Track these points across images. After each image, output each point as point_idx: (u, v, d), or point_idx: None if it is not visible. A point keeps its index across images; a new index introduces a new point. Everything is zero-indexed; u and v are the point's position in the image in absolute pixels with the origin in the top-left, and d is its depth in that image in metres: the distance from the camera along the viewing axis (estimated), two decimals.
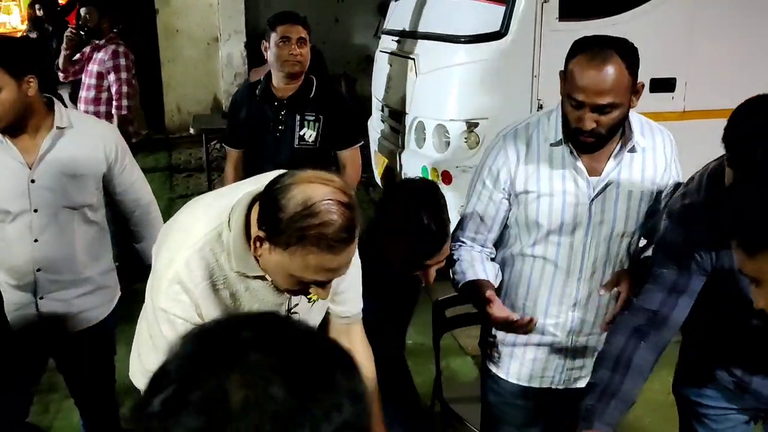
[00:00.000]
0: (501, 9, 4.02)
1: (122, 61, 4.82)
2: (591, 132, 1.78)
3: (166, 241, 1.59)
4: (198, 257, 1.50)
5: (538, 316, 1.99)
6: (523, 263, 2.03)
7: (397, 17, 5.31)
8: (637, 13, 4.08)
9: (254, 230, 1.45)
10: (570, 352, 2.06)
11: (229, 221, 1.51)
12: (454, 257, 2.04)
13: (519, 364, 2.12)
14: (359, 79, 8.79)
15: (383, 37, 5.54)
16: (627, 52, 1.77)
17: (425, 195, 1.96)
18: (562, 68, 1.84)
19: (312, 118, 3.06)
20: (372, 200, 6.68)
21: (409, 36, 4.85)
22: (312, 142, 3.08)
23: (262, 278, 1.54)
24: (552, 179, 1.91)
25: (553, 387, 2.13)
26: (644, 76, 4.08)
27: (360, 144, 3.36)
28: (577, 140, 1.83)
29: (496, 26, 4.02)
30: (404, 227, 1.92)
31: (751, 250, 1.33)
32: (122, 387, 2.36)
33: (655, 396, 3.71)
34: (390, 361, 2.15)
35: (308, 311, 1.73)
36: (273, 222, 1.38)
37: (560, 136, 1.89)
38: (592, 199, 1.91)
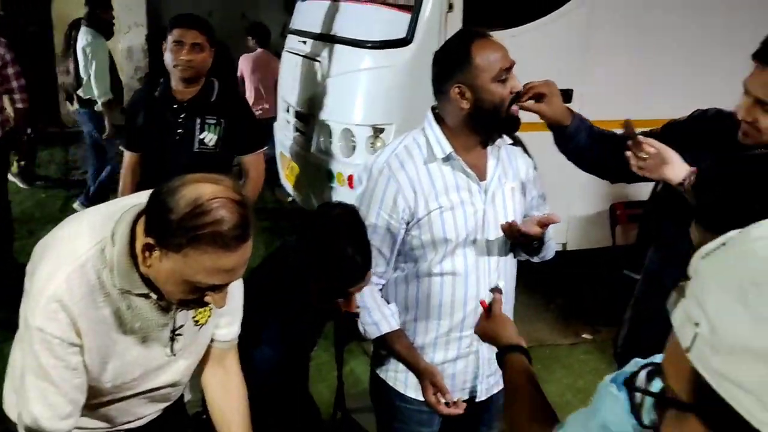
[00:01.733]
0: (407, 17, 4.07)
1: (9, 55, 4.59)
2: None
3: (44, 257, 1.51)
4: (79, 274, 1.44)
5: (455, 332, 2.03)
6: (431, 282, 2.01)
7: (304, 18, 5.28)
8: (536, 26, 4.22)
9: (141, 240, 1.40)
10: (486, 359, 2.09)
11: (113, 236, 1.45)
12: (358, 303, 1.98)
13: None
14: None
15: (290, 36, 5.50)
16: None
17: (345, 223, 1.87)
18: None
19: (213, 121, 3.01)
20: (277, 200, 6.63)
21: (316, 38, 4.83)
22: (213, 146, 3.03)
23: (146, 296, 1.50)
24: (449, 193, 1.94)
25: (477, 400, 2.13)
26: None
27: (264, 149, 3.34)
28: (514, 115, 1.91)
29: (401, 33, 4.06)
30: (326, 259, 1.84)
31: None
32: None
33: None
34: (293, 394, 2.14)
35: (194, 334, 1.69)
36: (163, 225, 1.34)
37: (449, 149, 1.93)
38: (486, 202, 1.98)
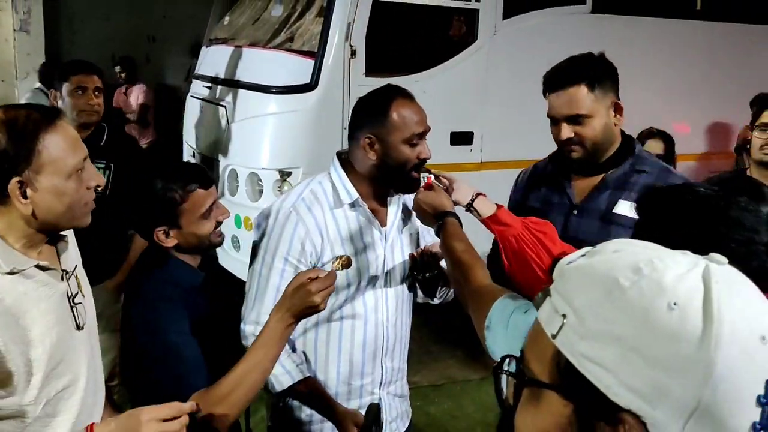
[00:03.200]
0: (311, 63, 4.13)
1: None
2: (427, 158, 1.96)
3: None
4: None
5: (356, 379, 2.02)
6: (330, 328, 2.00)
7: (209, 63, 5.28)
8: (436, 71, 4.38)
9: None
10: (387, 404, 2.10)
11: None
12: None
13: None
14: (170, 121, 8.57)
15: (194, 81, 5.47)
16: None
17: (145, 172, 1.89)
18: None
19: (102, 165, 3.03)
20: None
21: (221, 83, 4.83)
22: (101, 191, 2.98)
23: (41, 269, 1.51)
24: (353, 239, 1.98)
25: None
26: (445, 130, 4.41)
27: None
28: (415, 177, 1.94)
29: (306, 78, 4.12)
30: (142, 196, 1.83)
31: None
32: None
33: None
34: None
35: (83, 305, 1.67)
36: (8, 160, 1.41)
37: (356, 195, 1.97)
38: (386, 248, 2.03)
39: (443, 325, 4.68)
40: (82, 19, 9.11)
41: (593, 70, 2.04)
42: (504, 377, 0.82)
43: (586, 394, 0.70)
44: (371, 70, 4.14)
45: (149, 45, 9.54)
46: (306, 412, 2.04)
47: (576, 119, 2.02)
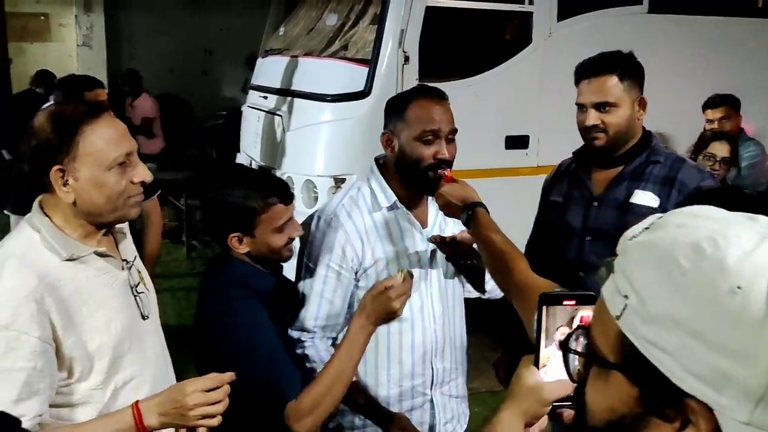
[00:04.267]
0: (364, 70, 4.16)
1: None
2: (449, 162, 1.92)
3: None
4: (24, 265, 1.48)
5: (406, 381, 2.01)
6: (377, 333, 1.93)
7: (264, 74, 5.36)
8: (490, 75, 4.35)
9: (52, 197, 1.53)
10: (441, 405, 2.09)
11: (32, 226, 1.53)
12: (308, 354, 1.94)
13: None
14: (228, 132, 8.73)
15: (251, 92, 5.57)
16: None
17: (222, 176, 1.92)
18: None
19: None
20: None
21: (276, 93, 4.90)
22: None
23: (101, 255, 1.57)
24: (394, 242, 1.97)
25: None
26: (499, 134, 4.37)
27: (157, 193, 3.46)
28: (436, 177, 1.90)
29: (360, 86, 4.15)
30: (219, 205, 1.84)
31: None
32: None
33: None
34: None
35: (147, 296, 1.74)
36: (51, 149, 1.48)
37: (393, 198, 1.96)
38: (429, 249, 2.01)
39: (486, 335, 4.63)
40: (141, 34, 9.39)
41: (625, 64, 2.18)
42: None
43: (651, 377, 0.68)
44: (424, 76, 4.13)
45: (206, 58, 9.77)
46: (357, 418, 2.03)
47: (604, 107, 2.14)
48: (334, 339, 2.03)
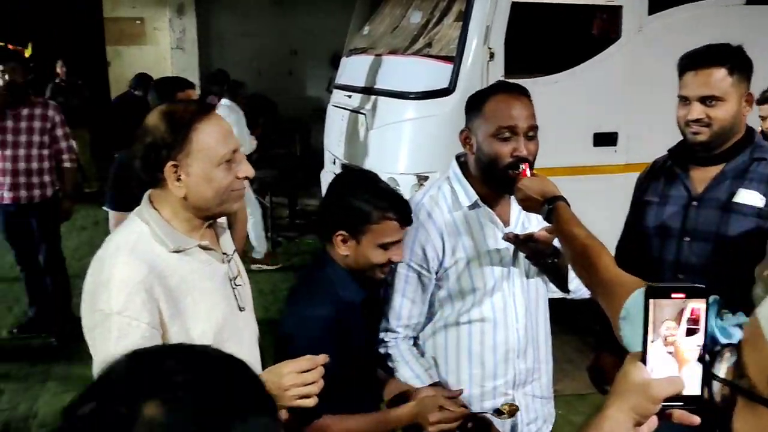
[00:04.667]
0: (449, 67, 4.15)
1: (59, 117, 4.86)
2: (525, 157, 1.87)
3: (94, 269, 1.60)
4: (135, 255, 1.55)
5: (488, 381, 1.99)
6: (459, 331, 1.98)
7: (349, 73, 5.43)
8: (578, 71, 4.26)
9: (161, 196, 1.61)
10: (524, 406, 2.05)
11: (141, 218, 1.61)
12: (390, 354, 1.96)
13: None
14: (313, 130, 8.89)
15: (335, 91, 5.64)
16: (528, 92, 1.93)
17: (353, 176, 1.96)
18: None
19: None
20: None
21: (360, 92, 4.95)
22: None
23: (204, 248, 1.64)
24: (476, 242, 1.94)
25: None
26: (587, 131, 4.27)
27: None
28: (514, 176, 1.86)
29: (444, 83, 4.14)
30: (337, 204, 1.86)
31: None
32: None
33: None
34: None
35: (244, 287, 1.79)
36: (165, 146, 1.55)
37: (475, 197, 1.93)
38: (511, 248, 1.97)
39: (585, 333, 4.53)
40: (230, 36, 9.67)
41: (735, 57, 2.07)
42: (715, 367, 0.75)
43: None
44: (510, 72, 4.09)
45: (292, 59, 9.96)
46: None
47: (709, 100, 2.04)
48: (416, 338, 2.03)
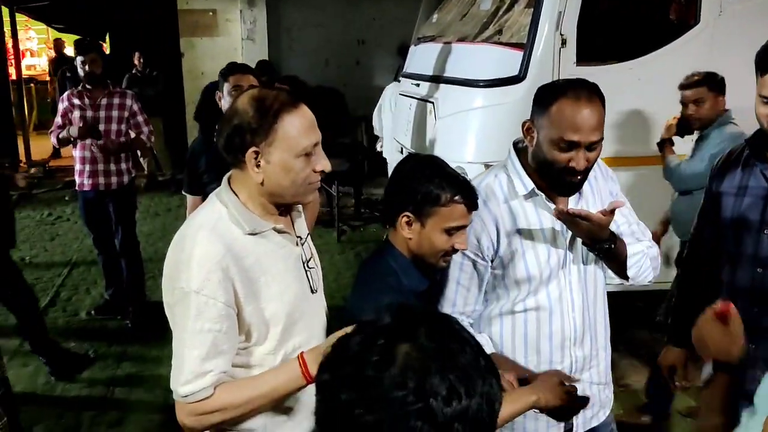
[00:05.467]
0: (519, 54, 4.08)
1: (137, 105, 5.04)
2: (583, 170, 1.83)
3: (176, 245, 1.65)
4: (215, 235, 1.59)
5: (543, 369, 1.98)
6: (515, 320, 1.98)
7: (417, 61, 5.40)
8: (653, 57, 4.12)
9: (242, 177, 1.64)
10: (579, 392, 1.99)
11: (221, 201, 1.66)
12: None
13: (534, 420, 2.01)
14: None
15: (402, 80, 5.63)
16: (600, 93, 1.85)
17: (419, 160, 1.92)
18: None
19: None
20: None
21: (428, 80, 4.92)
22: None
23: (275, 231, 1.67)
24: (532, 231, 1.92)
25: None
26: (663, 120, 4.11)
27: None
28: (565, 181, 1.85)
29: (514, 71, 4.07)
30: (406, 186, 1.83)
31: None
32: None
33: None
34: None
35: (317, 271, 1.83)
36: (250, 131, 1.58)
37: (531, 185, 1.90)
38: (568, 237, 1.94)
39: (655, 327, 4.41)
40: (299, 27, 9.76)
41: None
42: None
43: None
44: (582, 59, 3.99)
45: (359, 48, 9.98)
46: None
47: None
48: (470, 325, 2.02)
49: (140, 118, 4.98)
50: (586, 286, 2.00)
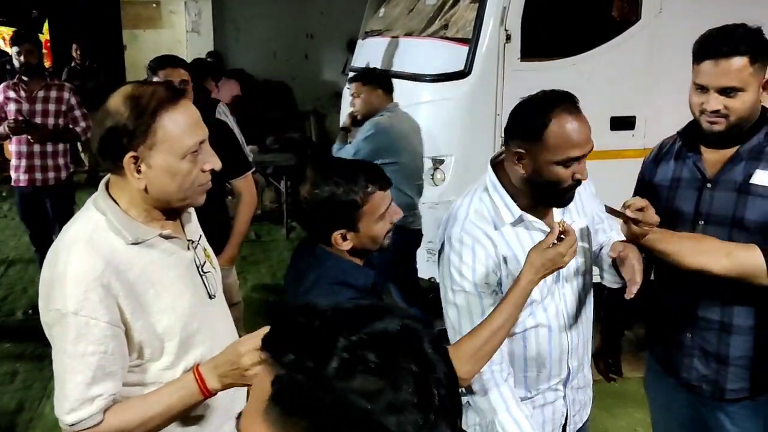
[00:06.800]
0: (465, 49, 4.10)
1: (75, 99, 4.89)
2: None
3: (49, 261, 1.51)
4: (90, 248, 1.45)
5: (543, 383, 1.97)
6: (513, 341, 1.92)
7: (364, 55, 5.38)
8: (596, 54, 4.19)
9: (119, 180, 1.51)
10: (571, 399, 2.05)
11: (98, 208, 1.52)
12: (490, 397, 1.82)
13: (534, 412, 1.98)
14: (329, 115, 8.86)
15: (351, 74, 5.60)
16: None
17: (322, 166, 1.81)
18: None
19: None
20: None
21: None
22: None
23: (162, 237, 1.55)
24: (525, 251, 1.84)
25: None
26: (604, 114, 4.21)
27: (252, 171, 3.47)
28: (569, 194, 1.83)
29: (460, 65, 4.09)
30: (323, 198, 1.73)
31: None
32: None
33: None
34: None
35: (214, 276, 1.72)
36: (126, 134, 1.44)
37: (518, 212, 1.85)
38: None
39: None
40: (245, 19, 9.62)
41: (757, 44, 1.96)
42: None
43: None
44: (526, 55, 4.03)
45: (307, 42, 9.90)
46: None
47: (729, 91, 1.95)
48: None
49: (78, 113, 4.83)
50: (578, 298, 2.00)
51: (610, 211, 1.90)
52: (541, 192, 1.82)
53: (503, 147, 1.92)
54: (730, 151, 2.06)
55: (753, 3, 4.27)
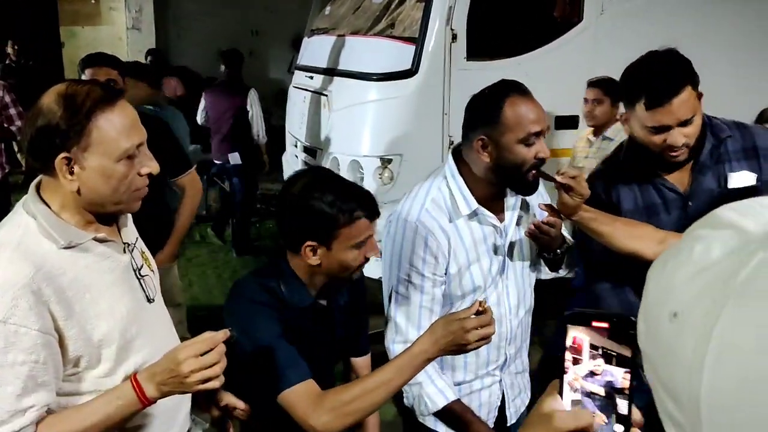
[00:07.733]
0: (411, 48, 4.10)
1: (9, 97, 4.74)
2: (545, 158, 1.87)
3: None
4: (19, 254, 1.39)
5: (481, 369, 2.03)
6: None
7: (310, 54, 5.34)
8: (540, 53, 4.25)
9: (50, 182, 1.44)
10: (509, 384, 2.12)
11: (28, 212, 1.46)
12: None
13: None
14: (274, 113, 8.76)
15: (296, 72, 5.56)
16: None
17: (311, 178, 1.76)
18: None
19: None
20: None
21: (322, 72, 4.88)
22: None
23: (96, 240, 1.49)
24: (477, 245, 1.93)
25: (507, 425, 2.12)
26: (549, 114, 4.26)
27: (193, 168, 3.44)
28: (534, 178, 1.85)
29: (407, 65, 4.10)
30: (300, 211, 1.70)
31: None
32: None
33: None
34: None
35: (153, 279, 1.68)
36: (59, 135, 1.38)
37: (474, 206, 1.89)
38: (506, 244, 1.98)
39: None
40: (188, 15, 9.47)
41: (689, 67, 1.98)
42: None
43: None
44: (472, 54, 4.07)
45: (252, 39, 9.80)
46: None
47: (686, 122, 1.96)
48: None
49: (12, 111, 4.67)
50: (520, 288, 2.05)
51: (542, 174, 1.86)
52: (506, 177, 1.86)
53: (453, 145, 1.94)
54: (687, 166, 2.07)
55: (690, 2, 4.41)
